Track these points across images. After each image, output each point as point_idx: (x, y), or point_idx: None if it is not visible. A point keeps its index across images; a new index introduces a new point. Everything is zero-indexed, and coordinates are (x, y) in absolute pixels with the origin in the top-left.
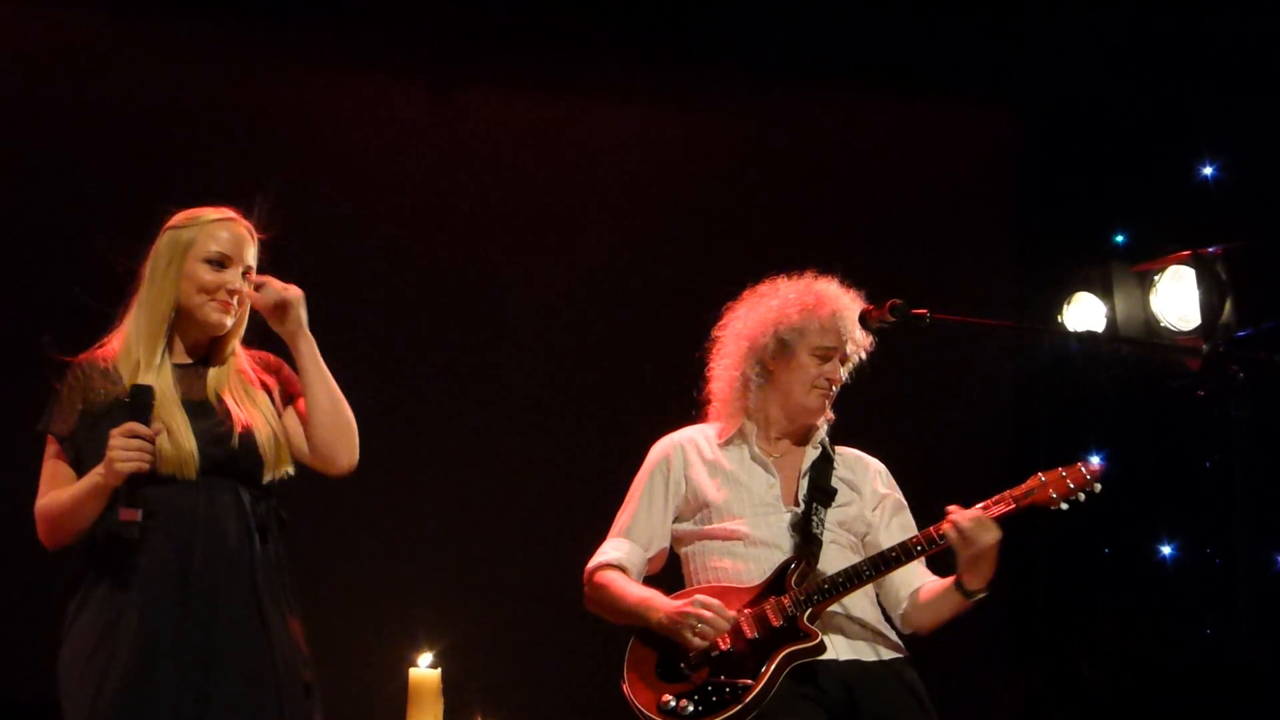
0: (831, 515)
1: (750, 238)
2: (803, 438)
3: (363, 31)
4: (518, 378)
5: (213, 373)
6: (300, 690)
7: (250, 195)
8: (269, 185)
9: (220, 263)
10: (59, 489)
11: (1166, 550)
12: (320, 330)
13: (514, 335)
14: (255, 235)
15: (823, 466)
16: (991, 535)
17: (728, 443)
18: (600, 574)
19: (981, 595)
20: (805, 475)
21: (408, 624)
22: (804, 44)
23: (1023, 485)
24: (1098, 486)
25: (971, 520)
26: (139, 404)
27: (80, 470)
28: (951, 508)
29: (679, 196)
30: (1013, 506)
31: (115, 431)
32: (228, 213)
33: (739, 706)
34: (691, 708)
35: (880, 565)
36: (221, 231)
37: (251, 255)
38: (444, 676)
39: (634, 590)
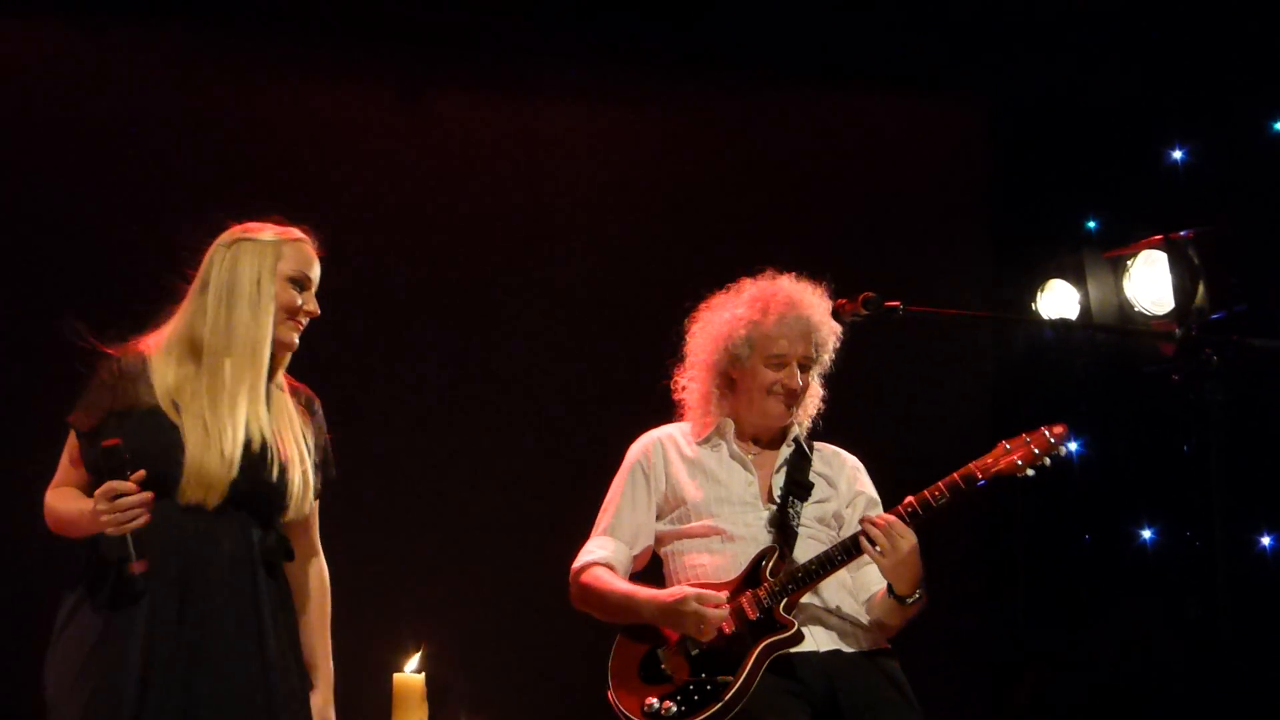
0: (808, 510)
1: (724, 235)
2: (778, 435)
3: (331, 38)
4: (501, 382)
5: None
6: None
7: (225, 202)
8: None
9: (303, 284)
10: (65, 490)
11: (1146, 535)
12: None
13: (493, 339)
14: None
15: (799, 462)
16: (907, 541)
17: (705, 441)
18: (587, 573)
19: (916, 599)
20: (781, 470)
21: (393, 629)
22: (771, 42)
23: (987, 455)
24: (1063, 450)
25: (883, 530)
26: (113, 464)
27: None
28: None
29: (653, 196)
30: (980, 478)
31: (98, 494)
32: (299, 232)
33: (720, 704)
34: (675, 708)
35: (852, 550)
36: (302, 253)
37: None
38: (429, 681)
39: (621, 585)
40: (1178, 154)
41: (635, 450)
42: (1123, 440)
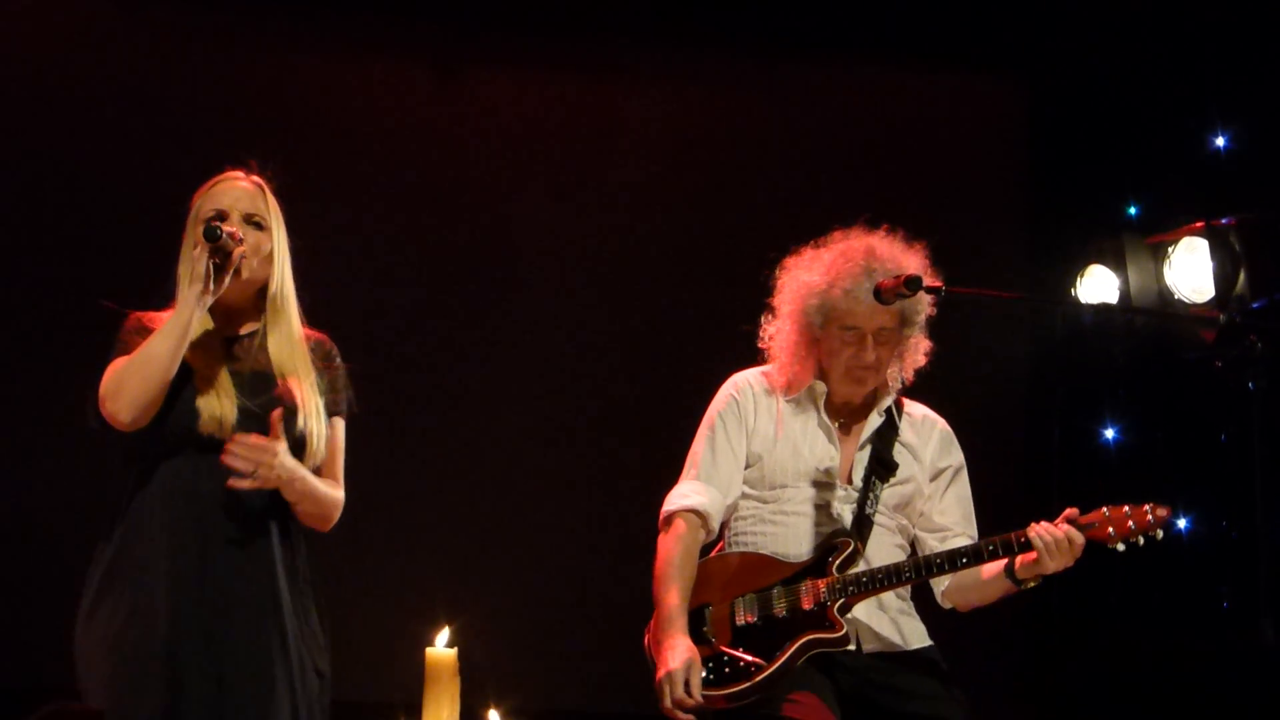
0: (887, 494)
1: (762, 212)
2: (867, 402)
3: (368, 13)
4: (535, 358)
5: (270, 348)
6: (313, 678)
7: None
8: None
9: (218, 218)
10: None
11: (1182, 524)
12: (331, 317)
13: (527, 315)
14: (265, 187)
15: (886, 434)
16: (1071, 560)
17: (795, 400)
18: (675, 523)
19: (1032, 585)
20: (865, 446)
21: (424, 603)
22: (813, 16)
23: (1085, 516)
24: (1160, 534)
25: (1057, 539)
26: (210, 233)
27: None
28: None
29: (690, 172)
30: None
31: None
32: (227, 173)
33: (748, 684)
34: (704, 674)
35: (922, 570)
36: (216, 190)
37: (253, 204)
38: (461, 655)
39: (666, 594)
40: (1220, 140)
41: (728, 391)
42: (1160, 427)
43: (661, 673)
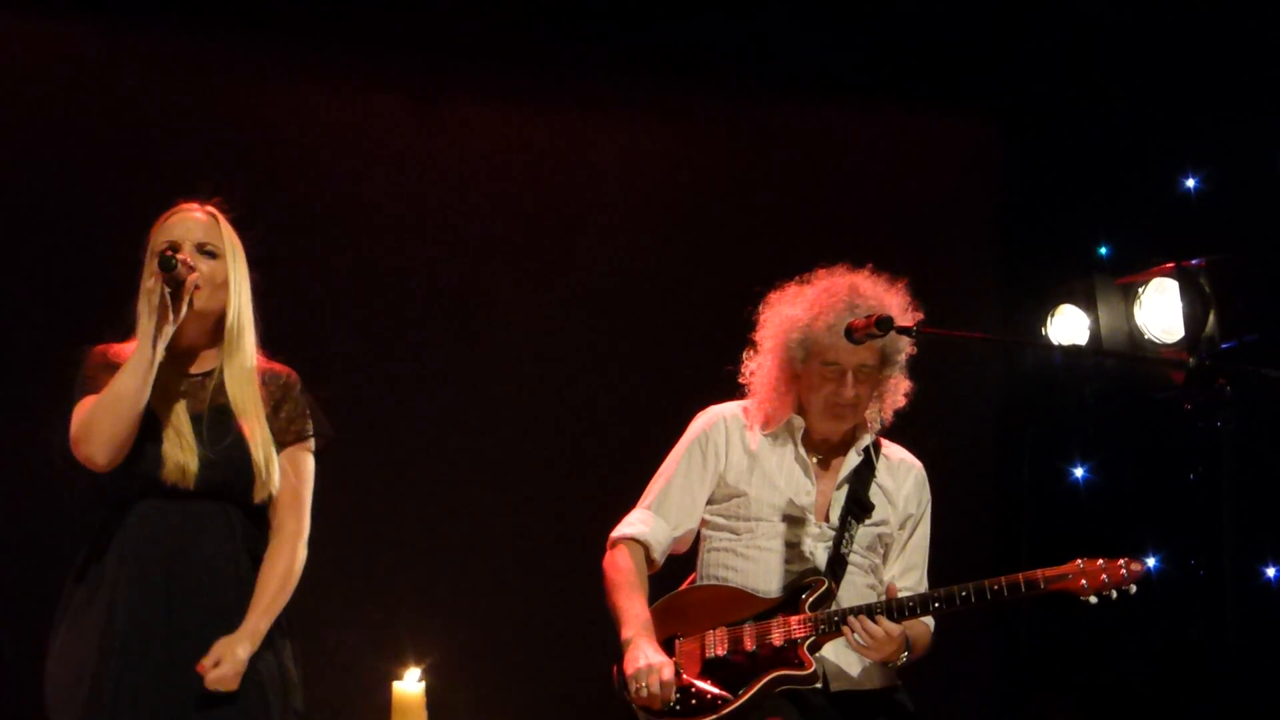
0: (861, 534)
1: (735, 251)
2: (845, 440)
3: (344, 45)
4: (506, 393)
5: (225, 382)
6: (291, 716)
7: (237, 208)
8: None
9: (170, 249)
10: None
11: (1151, 562)
12: (304, 347)
13: (502, 350)
14: (219, 217)
15: (864, 474)
16: (892, 644)
17: (773, 435)
18: (619, 548)
19: (902, 662)
20: (843, 486)
21: (392, 639)
22: (786, 57)
23: (1058, 568)
24: (1133, 588)
25: (870, 636)
26: (165, 263)
27: None
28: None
29: (665, 209)
30: (1039, 588)
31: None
32: (180, 206)
33: (714, 716)
34: (670, 704)
35: (894, 612)
36: (169, 223)
37: (206, 233)
38: (428, 692)
39: (628, 601)
40: (1190, 181)
41: (700, 425)
42: (1130, 467)
43: (632, 668)
